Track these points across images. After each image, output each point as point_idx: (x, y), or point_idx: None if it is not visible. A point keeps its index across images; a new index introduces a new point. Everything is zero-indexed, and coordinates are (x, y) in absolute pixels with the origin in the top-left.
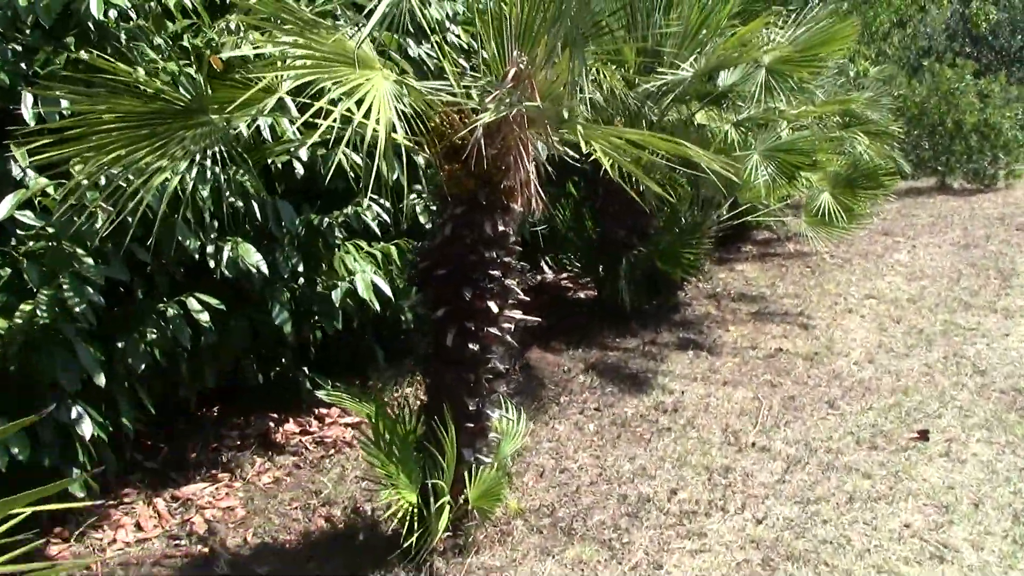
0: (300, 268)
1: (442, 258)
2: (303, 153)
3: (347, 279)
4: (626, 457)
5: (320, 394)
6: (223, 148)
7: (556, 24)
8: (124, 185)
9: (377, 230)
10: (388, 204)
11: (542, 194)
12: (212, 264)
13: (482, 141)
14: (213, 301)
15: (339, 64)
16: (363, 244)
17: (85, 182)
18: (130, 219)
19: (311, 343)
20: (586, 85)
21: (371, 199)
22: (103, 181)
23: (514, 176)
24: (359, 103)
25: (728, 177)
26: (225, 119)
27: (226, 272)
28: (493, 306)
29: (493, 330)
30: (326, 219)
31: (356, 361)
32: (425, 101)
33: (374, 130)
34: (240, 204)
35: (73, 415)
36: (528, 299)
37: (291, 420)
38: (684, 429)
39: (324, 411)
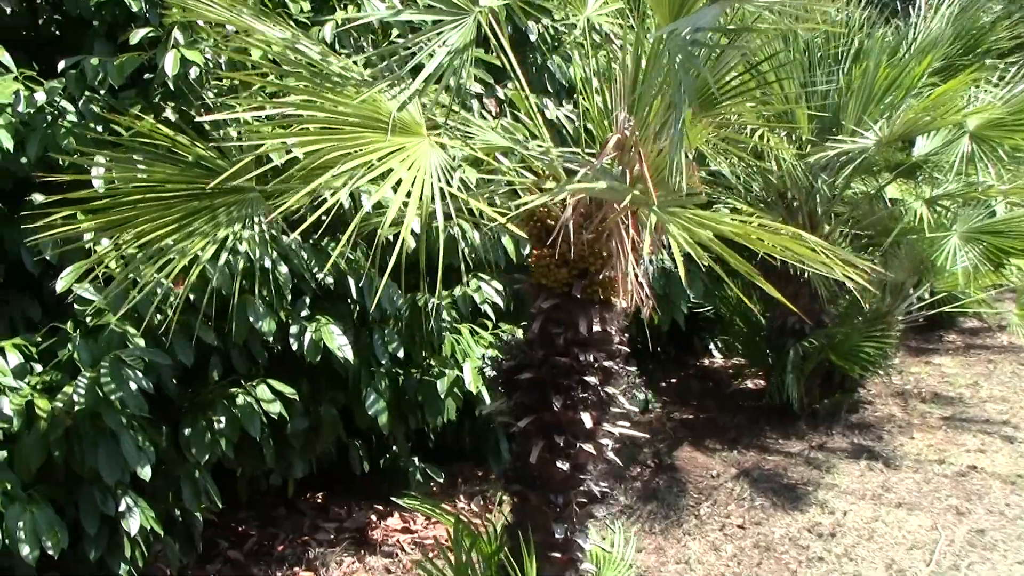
0: (400, 354)
1: (529, 359)
2: (416, 225)
3: (456, 367)
4: None
5: (401, 500)
6: (278, 222)
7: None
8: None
9: (491, 312)
10: (501, 286)
11: (647, 289)
12: (295, 347)
13: (571, 222)
14: (287, 390)
15: (364, 129)
16: (477, 329)
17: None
18: (191, 296)
19: (429, 430)
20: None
21: (481, 279)
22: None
23: (615, 266)
24: (385, 176)
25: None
26: (260, 190)
27: (307, 356)
28: (587, 418)
29: (588, 447)
30: (432, 299)
31: (480, 448)
32: (518, 170)
33: (401, 209)
34: (330, 281)
35: (122, 507)
36: (636, 411)
37: (396, 514)
38: (839, 561)
39: None
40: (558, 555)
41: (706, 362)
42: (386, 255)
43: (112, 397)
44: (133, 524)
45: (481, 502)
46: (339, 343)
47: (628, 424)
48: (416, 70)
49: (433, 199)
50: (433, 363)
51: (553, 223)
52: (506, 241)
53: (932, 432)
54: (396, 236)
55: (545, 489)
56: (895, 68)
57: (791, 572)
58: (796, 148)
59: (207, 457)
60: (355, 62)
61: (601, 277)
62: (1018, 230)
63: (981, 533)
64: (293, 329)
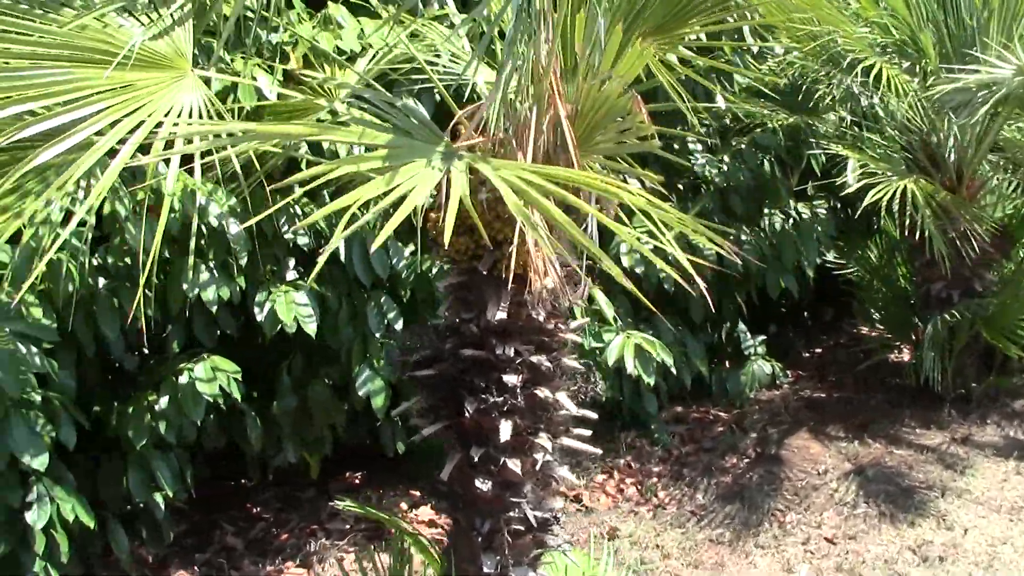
0: (400, 325)
1: (438, 352)
2: None
3: None
4: None
5: (342, 505)
6: None
7: None
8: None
9: None
10: None
11: (564, 267)
12: (260, 317)
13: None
14: (230, 367)
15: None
16: None
17: None
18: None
19: None
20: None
21: None
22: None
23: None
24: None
25: None
26: None
27: (265, 329)
28: (506, 428)
29: (514, 463)
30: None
31: None
32: None
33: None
34: (304, 242)
35: (30, 498)
36: (594, 416)
37: (429, 504)
38: None
39: None
40: None
41: (864, 330)
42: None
43: None
44: (37, 516)
45: None
46: (300, 314)
47: (585, 430)
48: None
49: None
50: None
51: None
52: None
53: None
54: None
55: (469, 511)
56: None
57: None
58: (920, 82)
59: (143, 441)
60: None
61: (513, 250)
62: None
63: None
64: (258, 298)
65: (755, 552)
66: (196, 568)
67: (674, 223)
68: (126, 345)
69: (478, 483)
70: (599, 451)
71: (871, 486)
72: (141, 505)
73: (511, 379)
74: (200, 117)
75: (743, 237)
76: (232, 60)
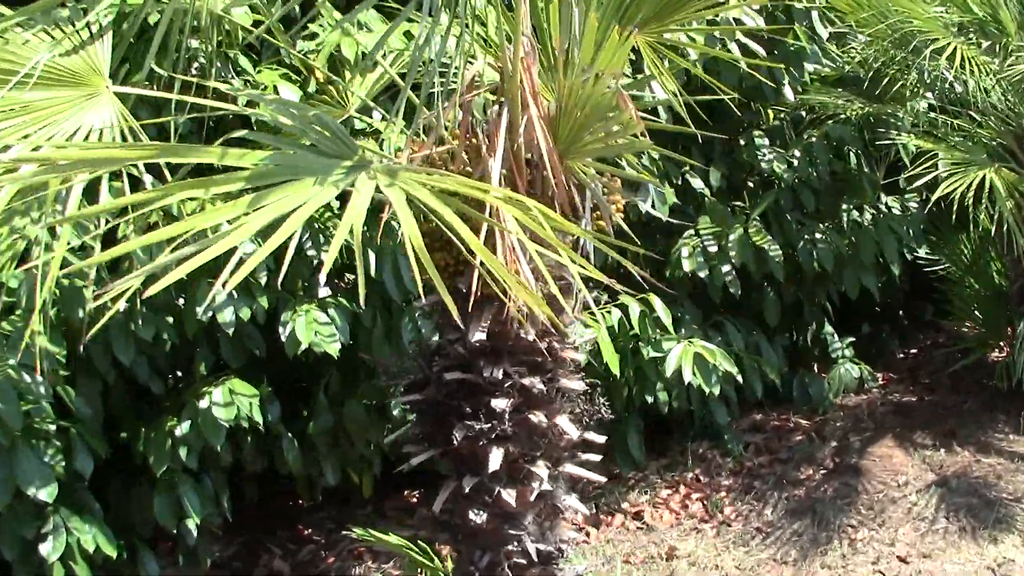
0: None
1: (425, 376)
2: None
3: None
4: None
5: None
6: None
7: None
8: None
9: None
10: None
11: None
12: (284, 337)
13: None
14: (247, 391)
15: None
16: None
17: None
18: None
19: None
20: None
21: None
22: None
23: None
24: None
25: None
26: None
27: (288, 350)
28: (496, 457)
29: (507, 494)
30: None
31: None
32: None
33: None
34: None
35: (46, 529)
36: (601, 439)
37: None
38: None
39: None
40: None
41: (965, 328)
42: None
43: None
44: (52, 547)
45: None
46: (321, 333)
47: (595, 457)
48: None
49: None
50: None
51: None
52: None
53: None
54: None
55: (469, 544)
56: None
57: None
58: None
59: (164, 467)
60: None
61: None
62: None
63: None
64: (283, 317)
65: (819, 573)
66: None
67: (574, 230)
68: (151, 369)
69: (471, 514)
70: (603, 479)
71: (953, 498)
72: (174, 531)
73: (500, 403)
74: (112, 138)
75: (817, 236)
76: (259, 71)
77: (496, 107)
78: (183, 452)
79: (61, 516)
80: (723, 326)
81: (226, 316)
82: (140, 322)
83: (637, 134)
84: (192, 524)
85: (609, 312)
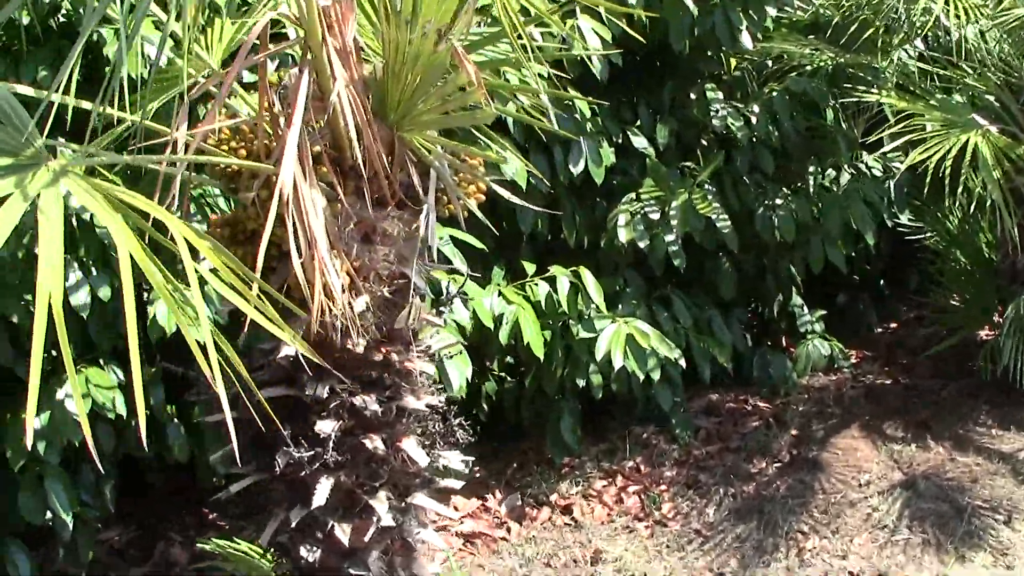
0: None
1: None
2: None
3: None
4: None
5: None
6: None
7: None
8: None
9: None
10: None
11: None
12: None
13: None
14: (104, 381)
15: None
16: None
17: None
18: None
19: None
20: None
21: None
22: None
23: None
24: None
25: None
26: None
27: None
28: (323, 488)
29: (341, 530)
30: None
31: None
32: None
33: None
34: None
35: None
36: (461, 465)
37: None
38: None
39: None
40: None
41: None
42: None
43: None
44: None
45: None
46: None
47: (454, 484)
48: None
49: None
50: None
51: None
52: None
53: None
54: None
55: None
56: None
57: None
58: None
59: (21, 462)
60: None
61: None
62: None
63: None
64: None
65: None
66: None
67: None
68: (14, 351)
69: (303, 551)
70: (454, 513)
71: (920, 504)
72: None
73: (325, 426)
74: None
75: (778, 202)
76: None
77: (296, 69)
78: (41, 447)
79: None
80: (670, 300)
81: (80, 298)
82: None
83: (480, 102)
84: (67, 517)
85: (536, 285)
